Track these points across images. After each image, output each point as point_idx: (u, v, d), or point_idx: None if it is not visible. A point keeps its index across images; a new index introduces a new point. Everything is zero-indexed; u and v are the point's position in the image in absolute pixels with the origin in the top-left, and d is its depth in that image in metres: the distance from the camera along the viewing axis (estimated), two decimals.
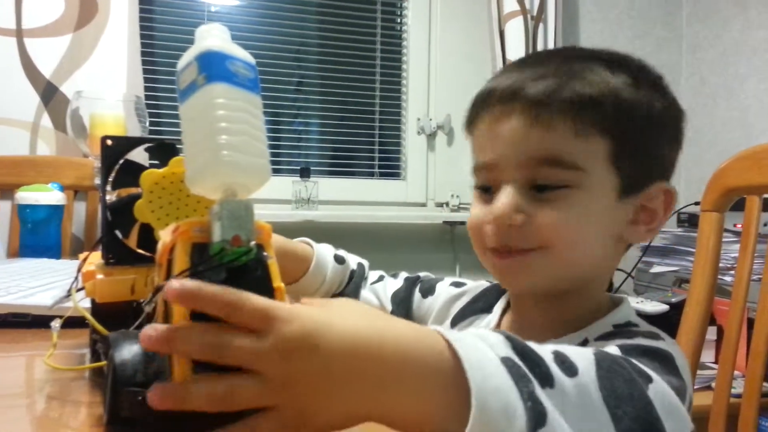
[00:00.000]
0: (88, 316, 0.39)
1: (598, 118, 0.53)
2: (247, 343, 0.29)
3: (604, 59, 0.57)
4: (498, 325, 0.64)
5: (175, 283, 0.29)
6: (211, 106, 0.31)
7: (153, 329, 0.29)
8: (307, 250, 0.75)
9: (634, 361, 0.41)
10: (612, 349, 0.46)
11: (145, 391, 0.29)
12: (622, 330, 0.53)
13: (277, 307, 0.30)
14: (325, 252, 0.77)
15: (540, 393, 0.33)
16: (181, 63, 0.34)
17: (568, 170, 0.53)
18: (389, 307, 0.76)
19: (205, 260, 0.31)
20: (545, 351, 0.36)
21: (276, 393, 0.29)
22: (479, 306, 0.69)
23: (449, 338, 0.32)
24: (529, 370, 0.33)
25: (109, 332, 0.39)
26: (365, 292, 0.79)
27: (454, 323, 0.70)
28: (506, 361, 0.32)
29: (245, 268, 0.31)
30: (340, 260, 0.78)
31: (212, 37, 0.33)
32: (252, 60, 0.34)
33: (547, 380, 0.34)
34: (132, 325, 0.37)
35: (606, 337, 0.52)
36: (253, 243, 0.31)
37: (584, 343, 0.53)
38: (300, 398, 0.30)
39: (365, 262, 0.82)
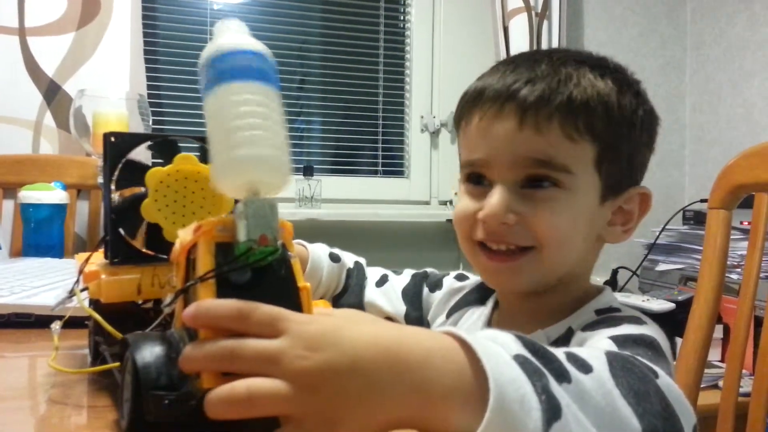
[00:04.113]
0: (100, 319, 0.38)
1: (588, 123, 0.55)
2: (265, 345, 0.29)
3: (591, 64, 0.59)
4: (489, 316, 0.66)
5: (190, 309, 0.29)
6: (226, 104, 0.31)
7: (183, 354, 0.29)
8: (301, 252, 0.75)
9: (640, 357, 0.41)
10: (606, 343, 0.48)
11: (171, 395, 0.29)
12: (605, 316, 0.55)
13: (291, 312, 0.30)
14: (319, 252, 0.77)
15: (555, 387, 0.32)
16: (200, 61, 0.34)
17: (559, 172, 0.55)
18: (402, 307, 0.76)
19: (230, 260, 0.30)
20: (557, 351, 0.36)
21: (301, 396, 0.28)
22: (473, 298, 0.71)
23: (461, 336, 0.32)
24: (543, 366, 0.33)
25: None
26: (371, 293, 0.78)
27: (450, 314, 0.72)
28: (518, 358, 0.32)
29: (270, 268, 0.31)
30: (335, 258, 0.78)
31: (227, 34, 0.33)
32: (267, 52, 0.34)
33: (563, 376, 0.34)
34: (132, 326, 0.36)
35: (591, 326, 0.54)
36: (279, 242, 0.31)
37: (569, 332, 0.56)
38: (326, 402, 0.29)
39: (362, 260, 0.82)
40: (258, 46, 0.33)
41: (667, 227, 1.64)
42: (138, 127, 1.05)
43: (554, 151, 0.54)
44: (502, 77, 0.58)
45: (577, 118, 0.55)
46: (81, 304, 0.41)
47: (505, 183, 0.56)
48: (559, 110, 0.54)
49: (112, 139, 0.43)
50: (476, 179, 0.59)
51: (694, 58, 2.07)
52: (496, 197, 0.55)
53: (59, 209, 1.21)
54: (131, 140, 0.44)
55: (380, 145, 1.96)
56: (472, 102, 0.59)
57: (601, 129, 0.56)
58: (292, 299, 0.31)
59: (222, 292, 0.30)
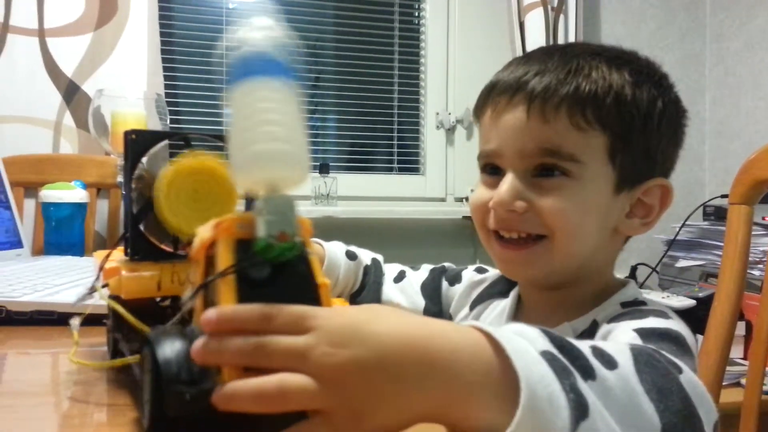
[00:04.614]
0: (124, 312, 0.39)
1: (597, 114, 0.55)
2: (293, 341, 0.29)
3: (608, 56, 0.59)
4: (513, 309, 0.66)
5: (210, 314, 0.29)
6: (246, 101, 0.32)
7: (198, 344, 0.29)
8: (318, 251, 0.75)
9: (664, 352, 0.41)
10: (631, 335, 0.48)
11: (192, 390, 0.29)
12: (631, 309, 0.55)
13: (315, 308, 0.30)
14: (336, 250, 0.77)
15: (582, 385, 0.32)
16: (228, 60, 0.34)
17: (567, 161, 0.56)
18: (421, 302, 0.76)
19: (250, 256, 0.30)
20: (583, 345, 0.35)
21: (329, 391, 0.28)
22: (497, 290, 0.71)
23: (489, 331, 0.32)
24: (570, 363, 0.33)
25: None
26: (389, 290, 0.78)
27: (473, 307, 0.72)
28: (545, 354, 0.32)
29: (289, 264, 0.31)
30: (351, 256, 0.78)
31: (250, 33, 0.33)
32: (288, 47, 0.34)
33: (588, 373, 0.33)
34: (151, 323, 0.37)
35: (616, 318, 0.54)
36: (298, 239, 0.31)
37: (594, 324, 0.56)
38: (355, 397, 0.29)
39: (379, 257, 0.82)
40: (279, 42, 0.33)
41: (687, 223, 1.62)
42: (156, 126, 1.06)
43: (562, 140, 0.55)
44: (514, 70, 0.59)
45: (584, 108, 0.55)
46: (104, 298, 0.42)
47: (516, 172, 0.57)
48: (566, 100, 0.55)
49: (133, 136, 0.43)
50: (491, 170, 0.61)
51: (713, 51, 2.04)
52: (505, 185, 0.57)
53: (80, 208, 1.23)
54: (151, 138, 0.44)
55: (396, 142, 1.95)
56: (485, 96, 0.62)
57: (612, 120, 0.56)
58: (311, 295, 0.31)
59: (242, 288, 0.30)
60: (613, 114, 0.56)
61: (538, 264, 0.58)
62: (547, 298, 0.62)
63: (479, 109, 0.63)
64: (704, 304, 1.25)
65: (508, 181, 0.57)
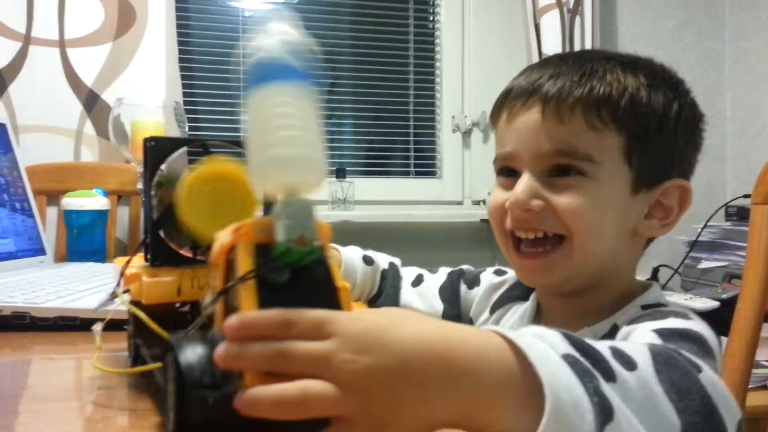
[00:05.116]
0: (145, 317, 0.39)
1: (611, 114, 0.56)
2: (314, 346, 0.28)
3: (622, 61, 0.60)
4: (534, 313, 0.66)
5: (233, 321, 0.29)
6: (263, 106, 0.32)
7: (221, 350, 0.29)
8: (334, 256, 0.75)
9: (683, 352, 0.41)
10: (650, 336, 0.47)
11: (214, 395, 0.29)
12: (651, 311, 0.55)
13: (336, 313, 0.30)
14: (352, 255, 0.77)
15: (605, 388, 0.32)
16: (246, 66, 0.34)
17: (582, 161, 0.56)
18: (440, 305, 0.76)
19: (269, 261, 0.30)
20: (603, 346, 0.35)
21: (351, 398, 0.28)
22: (516, 293, 0.71)
23: (510, 336, 0.32)
24: (592, 365, 0.32)
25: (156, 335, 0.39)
26: (407, 294, 0.78)
27: (493, 311, 0.72)
28: (567, 358, 0.32)
29: (309, 268, 0.31)
30: (369, 261, 0.78)
31: (267, 39, 0.33)
32: (307, 51, 0.34)
33: (609, 375, 0.33)
34: (171, 329, 0.37)
35: (636, 320, 0.53)
36: (317, 243, 0.31)
37: (614, 328, 0.56)
38: (376, 403, 0.28)
39: (397, 261, 0.82)
40: (296, 47, 0.34)
41: (709, 224, 1.60)
42: (174, 133, 1.07)
43: (577, 140, 0.56)
44: (529, 76, 0.61)
45: (599, 108, 0.56)
46: (125, 303, 0.42)
47: (532, 172, 0.58)
48: (581, 101, 0.56)
49: (152, 143, 0.44)
50: (507, 172, 0.61)
51: (733, 50, 2.01)
52: (521, 185, 0.57)
53: (101, 215, 1.24)
54: (170, 144, 0.44)
55: (412, 146, 1.95)
56: (501, 101, 0.63)
57: (628, 120, 0.56)
58: (331, 299, 0.31)
59: (262, 292, 0.30)
60: (628, 114, 0.56)
61: (557, 271, 0.58)
62: (566, 304, 0.62)
63: (495, 115, 0.64)
64: (728, 306, 1.23)
65: (525, 181, 0.57)
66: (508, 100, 0.61)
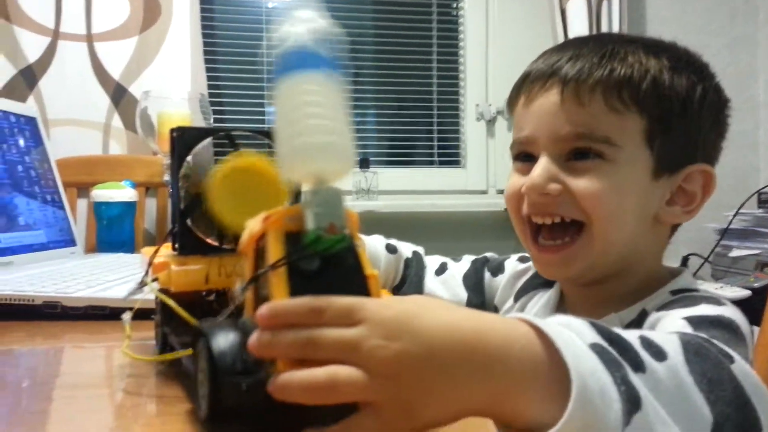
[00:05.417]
0: (174, 304, 0.40)
1: (632, 97, 0.55)
2: (343, 333, 0.29)
3: (645, 43, 0.58)
4: (557, 300, 0.65)
5: (263, 310, 0.29)
6: (291, 95, 0.32)
7: (253, 338, 0.29)
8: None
9: (715, 341, 0.40)
10: (680, 323, 0.46)
11: (247, 380, 0.29)
12: (681, 296, 0.54)
13: (365, 300, 0.30)
14: (375, 244, 0.77)
15: (633, 377, 0.31)
16: (272, 56, 0.35)
17: (601, 144, 0.55)
18: (464, 294, 0.76)
19: (299, 248, 0.31)
20: (632, 336, 0.35)
21: (380, 384, 0.28)
22: (540, 281, 0.70)
23: (538, 324, 0.31)
24: (619, 355, 0.32)
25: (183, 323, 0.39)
26: (431, 283, 0.78)
27: (517, 298, 0.71)
28: (594, 347, 0.31)
29: (338, 256, 0.31)
30: (392, 250, 0.78)
31: (293, 26, 0.33)
32: (334, 39, 0.34)
33: (638, 365, 0.33)
34: (199, 317, 0.37)
35: (666, 306, 0.52)
36: (346, 231, 0.31)
37: (642, 314, 0.54)
38: (405, 389, 0.28)
39: (420, 249, 0.82)
40: (322, 34, 0.34)
41: (740, 211, 1.56)
42: (200, 124, 1.08)
43: (596, 122, 0.55)
44: (547, 59, 0.59)
45: (620, 90, 0.54)
46: (154, 291, 0.43)
47: (550, 155, 0.56)
48: (601, 83, 0.55)
49: (179, 134, 0.44)
50: (525, 157, 0.60)
51: (766, 33, 1.95)
52: (539, 169, 0.56)
53: (129, 207, 1.26)
54: (196, 134, 0.45)
55: (436, 135, 1.94)
56: (519, 85, 0.61)
57: (650, 102, 0.55)
58: (360, 287, 0.32)
59: (293, 280, 0.31)
60: (650, 97, 0.55)
61: (576, 264, 0.57)
62: (588, 293, 0.61)
63: (513, 99, 0.62)
64: (760, 295, 1.20)
65: (542, 164, 0.56)
66: (526, 84, 0.60)
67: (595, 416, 0.29)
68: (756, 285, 1.29)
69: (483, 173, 1.89)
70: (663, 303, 0.54)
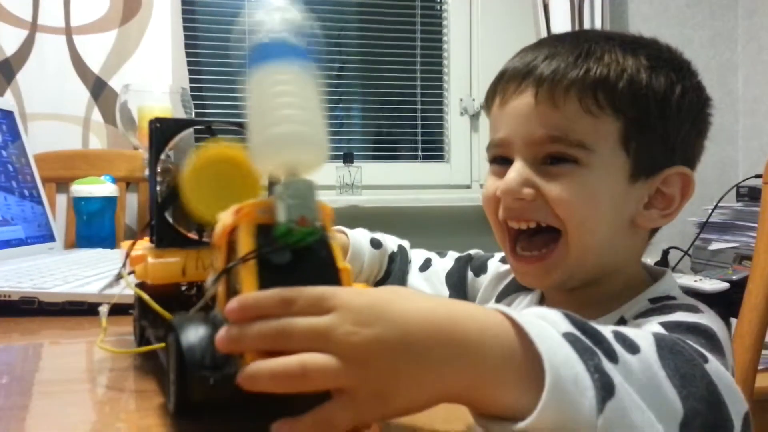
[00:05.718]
0: (147, 298, 0.39)
1: (609, 98, 0.53)
2: (314, 321, 0.28)
3: (622, 41, 0.57)
4: (538, 304, 0.65)
5: (232, 304, 0.29)
6: (263, 85, 0.32)
7: (221, 333, 0.29)
8: (342, 239, 0.75)
9: (689, 341, 0.40)
10: (655, 327, 0.45)
11: (215, 375, 0.29)
12: (659, 305, 0.53)
13: (337, 288, 0.30)
14: (360, 238, 0.77)
15: (606, 366, 0.32)
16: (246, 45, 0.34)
17: (575, 148, 0.53)
18: (446, 292, 0.76)
19: (270, 241, 0.30)
20: (605, 329, 0.35)
21: (352, 370, 0.28)
22: (521, 284, 0.69)
23: (511, 314, 0.32)
24: (593, 344, 0.32)
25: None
26: (414, 279, 0.78)
27: (499, 300, 0.71)
28: (568, 336, 0.32)
29: (310, 249, 0.31)
30: (376, 244, 0.78)
31: (266, 15, 0.33)
32: (307, 30, 0.34)
33: (611, 355, 0.33)
34: (176, 310, 0.37)
35: (644, 314, 0.52)
36: (318, 223, 0.31)
37: (621, 321, 0.54)
38: (377, 375, 0.28)
39: (406, 243, 0.82)
40: (296, 24, 0.33)
41: (720, 204, 1.58)
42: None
43: (570, 125, 0.53)
44: (523, 57, 0.58)
45: (595, 92, 0.53)
46: (129, 285, 0.42)
47: (525, 159, 0.55)
48: (576, 83, 0.53)
49: (157, 125, 0.44)
50: (501, 160, 0.59)
51: (746, 27, 1.98)
52: (513, 172, 0.55)
53: (110, 202, 1.25)
54: (175, 126, 0.44)
55: (419, 130, 1.94)
56: (494, 85, 0.60)
57: (626, 104, 0.53)
58: (333, 280, 0.31)
59: (263, 273, 0.30)
60: (626, 98, 0.53)
61: (554, 274, 0.56)
62: (568, 298, 0.60)
63: (489, 99, 0.61)
64: (738, 287, 1.22)
65: (516, 168, 0.55)
66: (501, 84, 0.58)
67: (569, 404, 0.29)
68: (734, 277, 1.31)
69: (467, 168, 1.90)
70: (641, 311, 0.53)
